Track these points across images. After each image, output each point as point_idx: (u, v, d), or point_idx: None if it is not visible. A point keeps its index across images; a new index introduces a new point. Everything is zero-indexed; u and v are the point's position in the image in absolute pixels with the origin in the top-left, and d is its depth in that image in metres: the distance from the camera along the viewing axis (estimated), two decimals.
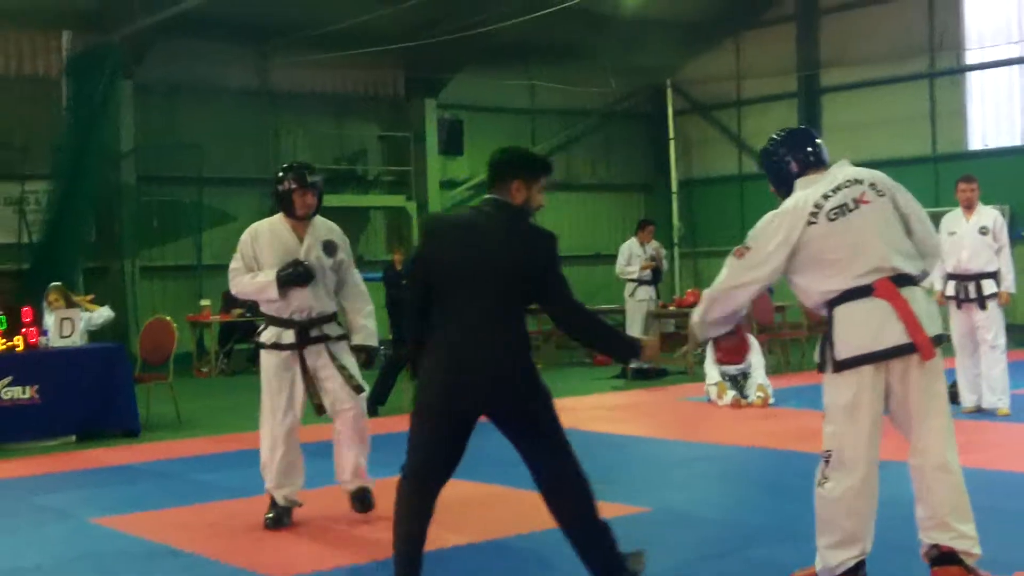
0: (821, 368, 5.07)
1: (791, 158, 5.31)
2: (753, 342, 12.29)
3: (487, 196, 5.19)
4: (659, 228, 17.82)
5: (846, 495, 4.92)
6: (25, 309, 11.13)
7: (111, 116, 17.93)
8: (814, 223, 5.00)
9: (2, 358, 10.60)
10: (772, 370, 12.78)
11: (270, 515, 6.96)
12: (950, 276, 10.62)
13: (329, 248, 7.06)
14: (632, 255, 15.60)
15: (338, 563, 6.03)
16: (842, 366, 4.92)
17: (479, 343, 4.98)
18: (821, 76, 22.68)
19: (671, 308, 16.61)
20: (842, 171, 5.21)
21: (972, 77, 20.77)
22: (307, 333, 6.98)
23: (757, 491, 7.94)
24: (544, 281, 5.08)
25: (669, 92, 23.09)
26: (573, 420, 11.36)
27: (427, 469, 5.10)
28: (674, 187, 23.45)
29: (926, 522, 5.02)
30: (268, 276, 6.91)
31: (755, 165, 23.49)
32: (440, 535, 6.55)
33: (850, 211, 4.99)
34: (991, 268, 10.49)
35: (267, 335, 7.05)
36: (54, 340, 11.10)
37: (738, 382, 11.97)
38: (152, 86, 19.00)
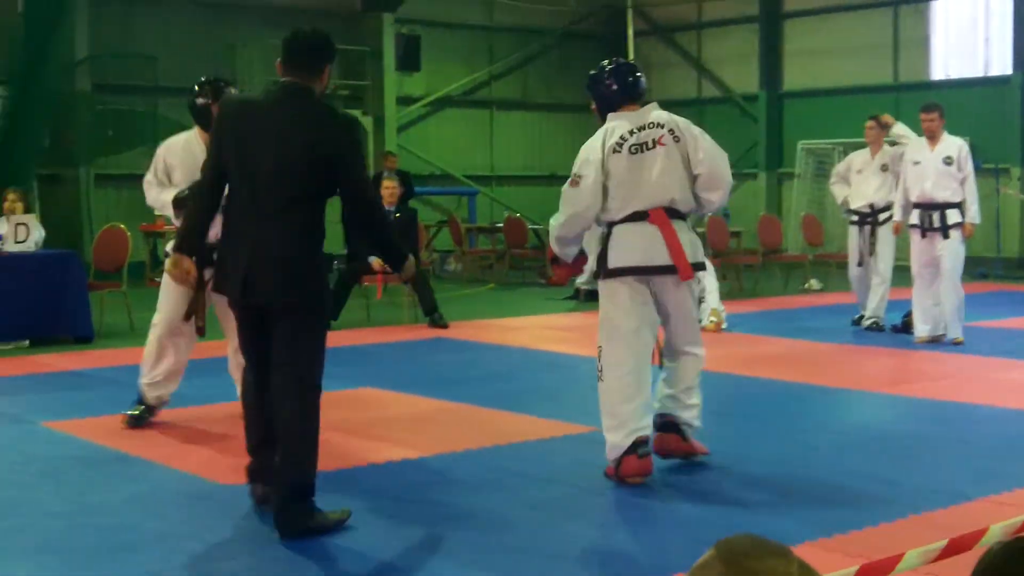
0: (596, 276, 6.09)
1: (611, 90, 6.13)
2: (708, 265, 12.34)
3: (286, 80, 5.06)
4: None
5: (618, 384, 5.89)
6: None
7: (66, 23, 17.64)
8: (618, 152, 5.90)
9: None
10: (725, 296, 12.88)
11: (135, 411, 7.26)
12: (915, 205, 10.72)
13: None
14: None
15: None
16: (612, 274, 5.94)
17: (265, 234, 4.92)
18: (784, 0, 22.64)
19: None
20: (651, 114, 6.05)
21: (936, 6, 20.75)
22: (210, 254, 6.94)
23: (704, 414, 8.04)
24: (338, 169, 5.00)
25: (629, 13, 22.94)
26: (523, 339, 11.55)
27: (246, 359, 5.26)
28: None
29: (666, 399, 6.16)
30: (168, 195, 7.00)
31: (715, 89, 23.55)
32: (390, 449, 6.65)
33: (648, 149, 5.90)
34: (956, 199, 10.58)
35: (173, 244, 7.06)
36: (8, 245, 11.02)
37: None
38: None
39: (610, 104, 6.10)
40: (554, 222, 6.14)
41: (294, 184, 4.93)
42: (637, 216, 5.89)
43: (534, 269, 18.58)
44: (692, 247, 5.96)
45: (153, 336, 7.26)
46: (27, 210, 11.90)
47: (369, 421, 7.35)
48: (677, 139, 5.93)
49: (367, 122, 21.26)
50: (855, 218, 11.88)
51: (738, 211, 19.84)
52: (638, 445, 5.80)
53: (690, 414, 6.16)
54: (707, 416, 6.30)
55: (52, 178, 18.21)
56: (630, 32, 22.94)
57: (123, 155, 19.23)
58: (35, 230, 11.37)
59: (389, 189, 12.90)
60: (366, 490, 5.75)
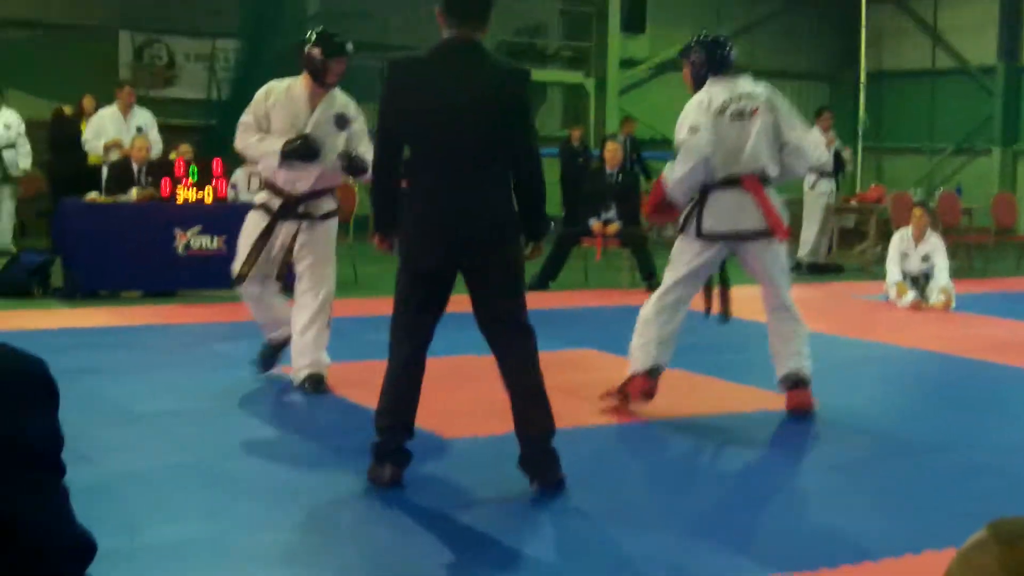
0: (683, 230, 6.47)
1: (707, 59, 6.54)
2: (938, 242, 11.93)
3: (456, 35, 4.91)
4: (842, 121, 17.41)
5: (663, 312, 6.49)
6: (216, 160, 11.38)
7: None
8: (720, 116, 6.34)
9: (192, 208, 10.96)
10: (955, 274, 12.43)
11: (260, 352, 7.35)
12: None
13: (341, 121, 7.00)
14: (817, 143, 15.20)
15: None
16: (703, 236, 6.38)
17: (466, 194, 4.86)
18: None
19: (852, 203, 16.26)
20: (745, 84, 6.53)
21: None
22: (293, 208, 6.98)
23: (931, 398, 7.79)
24: (514, 122, 4.92)
25: None
26: (744, 311, 11.32)
27: (409, 332, 5.03)
28: (862, 78, 22.81)
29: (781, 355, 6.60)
30: (274, 145, 6.86)
31: (949, 60, 22.69)
32: (611, 412, 6.64)
33: (746, 117, 6.34)
34: None
35: (261, 196, 7.12)
36: (243, 194, 11.38)
37: (919, 283, 11.69)
38: None
39: (709, 71, 6.51)
40: (675, 172, 6.40)
41: (485, 141, 4.90)
42: (731, 181, 6.34)
43: None
44: (783, 211, 6.48)
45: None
46: None
47: (592, 382, 7.35)
48: (771, 109, 6.41)
49: (589, 84, 21.24)
50: None
51: (970, 188, 19.13)
52: (653, 371, 6.49)
53: (807, 366, 6.60)
54: (936, 401, 6.10)
55: None
56: None
57: None
58: None
59: (611, 152, 12.90)
60: (589, 450, 5.75)
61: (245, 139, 7.01)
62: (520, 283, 5.04)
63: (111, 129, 12.99)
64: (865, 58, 22.75)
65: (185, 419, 6.40)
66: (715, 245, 6.45)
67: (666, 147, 22.37)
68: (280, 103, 6.92)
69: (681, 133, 6.38)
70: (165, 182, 10.91)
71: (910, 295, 11.54)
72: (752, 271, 6.62)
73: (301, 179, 6.92)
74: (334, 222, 7.15)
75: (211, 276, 10.64)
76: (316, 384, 6.95)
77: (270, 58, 17.78)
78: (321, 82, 6.92)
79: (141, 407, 6.59)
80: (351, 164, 6.90)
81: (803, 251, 14.94)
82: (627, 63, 21.99)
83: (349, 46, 6.98)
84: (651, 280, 12.18)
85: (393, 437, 5.01)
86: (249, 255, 6.96)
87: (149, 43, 18.25)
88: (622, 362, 8.11)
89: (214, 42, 18.04)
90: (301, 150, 6.82)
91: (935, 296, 11.40)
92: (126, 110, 13.31)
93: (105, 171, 12.07)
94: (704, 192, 6.39)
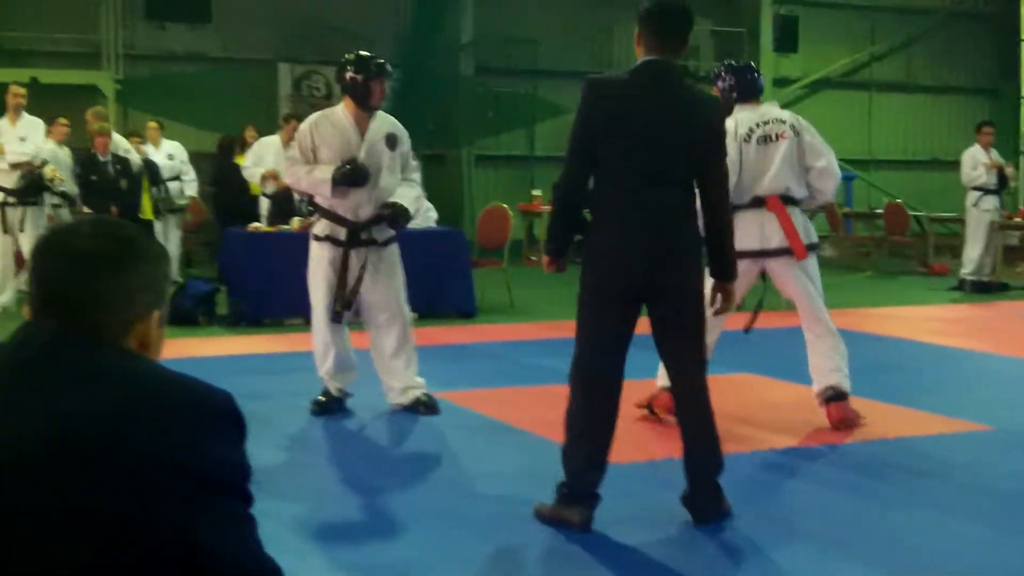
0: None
1: (736, 85, 6.83)
2: None
3: (654, 59, 4.83)
4: (1004, 136, 16.94)
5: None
6: None
7: (454, 8, 18.36)
8: (747, 142, 6.61)
9: None
10: None
11: (321, 399, 7.12)
12: None
13: (391, 141, 7.01)
14: (977, 162, 14.84)
15: (668, 453, 6.06)
16: None
17: (661, 218, 4.76)
18: None
19: (1017, 220, 15.81)
20: (772, 110, 6.83)
21: None
22: (357, 235, 6.93)
23: None
24: (711, 151, 4.86)
25: None
26: (904, 330, 11.13)
27: (603, 361, 4.87)
28: (1023, 92, 22.17)
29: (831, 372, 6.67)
30: (324, 174, 6.82)
31: None
32: (773, 437, 6.56)
33: (772, 141, 6.60)
34: None
35: (320, 227, 7.03)
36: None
37: None
38: None
39: (739, 97, 6.77)
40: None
41: (681, 166, 4.84)
42: (756, 202, 6.59)
43: (915, 257, 17.92)
44: (805, 230, 6.64)
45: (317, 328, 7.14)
46: None
47: (756, 405, 7.27)
48: (797, 134, 6.67)
49: None
50: None
51: None
52: None
53: (846, 381, 6.70)
54: None
55: (436, 158, 19.00)
56: (1022, 10, 21.71)
57: (502, 136, 19.88)
58: (429, 209, 11.85)
59: None
60: (751, 475, 5.69)
61: (295, 173, 7.03)
62: (701, 318, 4.95)
63: (270, 159, 13.28)
64: None
65: (343, 439, 6.51)
66: (742, 263, 6.24)
67: None
68: (328, 133, 6.96)
69: None
70: None
71: None
72: (780, 288, 6.92)
73: (363, 206, 6.94)
74: (396, 246, 7.17)
75: None
76: (430, 407, 7.03)
77: (426, 86, 18.08)
78: (365, 105, 6.97)
79: (307, 431, 6.74)
80: (395, 216, 6.91)
81: (967, 269, 14.59)
82: (780, 82, 21.81)
83: (388, 66, 7.03)
84: None
85: (586, 480, 4.82)
86: (338, 289, 6.94)
87: (307, 74, 18.70)
88: (781, 385, 8.04)
89: None
90: (351, 175, 6.81)
91: None
92: (287, 142, 13.61)
93: (267, 201, 12.36)
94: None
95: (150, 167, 13.70)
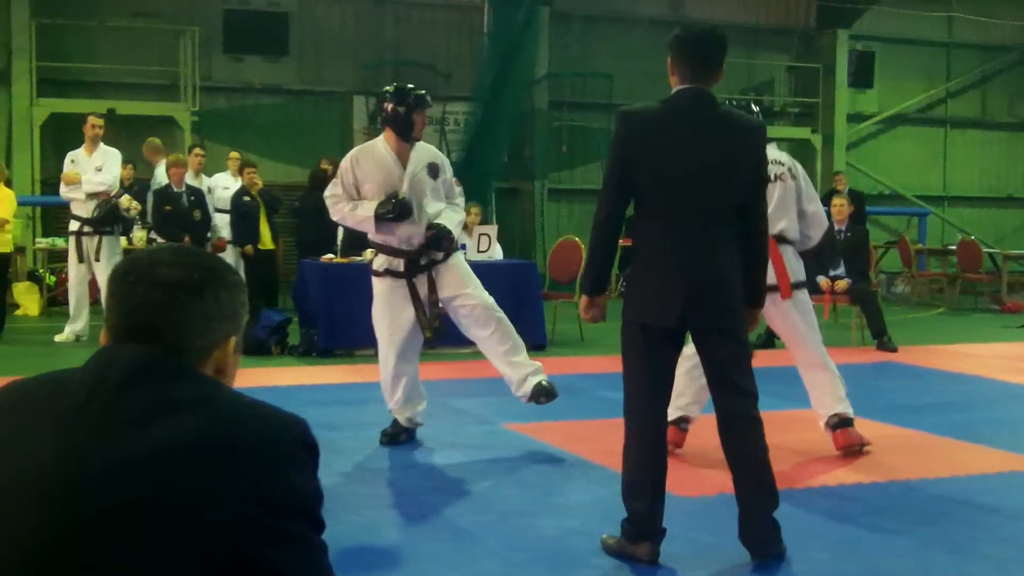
0: None
1: None
2: None
3: (690, 87, 4.73)
4: None
5: (690, 365, 6.34)
6: None
7: (529, 43, 18.50)
8: None
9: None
10: None
11: (390, 430, 7.19)
12: None
13: (433, 170, 7.06)
14: None
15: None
16: None
17: (702, 253, 4.68)
18: None
19: None
20: (770, 151, 6.39)
21: None
22: (417, 262, 6.98)
23: None
24: (753, 177, 4.77)
25: None
26: (979, 368, 11.01)
27: (650, 396, 4.80)
28: None
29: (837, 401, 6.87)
30: (367, 211, 6.88)
31: None
32: (845, 473, 6.53)
33: (770, 183, 6.50)
34: None
35: (379, 262, 7.08)
36: (471, 254, 11.64)
37: None
38: (568, 14, 19.47)
39: None
40: None
41: (724, 198, 4.73)
42: None
43: (988, 294, 17.71)
44: (794, 271, 6.81)
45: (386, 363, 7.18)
46: (483, 222, 12.52)
47: (815, 443, 7.24)
48: (793, 177, 6.83)
49: (816, 140, 21.03)
50: None
51: None
52: (680, 423, 6.74)
53: (849, 410, 6.93)
54: None
55: (510, 191, 19.12)
56: None
57: (576, 170, 19.95)
58: (495, 244, 11.95)
59: (837, 207, 12.70)
60: (815, 512, 5.68)
61: (339, 210, 7.05)
62: (746, 348, 4.90)
63: None
64: None
65: (410, 469, 6.59)
66: None
67: (896, 201, 22.05)
68: (369, 168, 6.98)
69: None
70: None
71: None
72: (770, 323, 7.05)
73: (414, 236, 6.99)
74: (460, 254, 7.24)
75: (445, 334, 10.88)
76: (550, 394, 7.17)
77: (501, 119, 18.22)
78: (407, 136, 7.01)
79: (376, 461, 6.82)
80: (438, 237, 6.98)
81: None
82: (855, 118, 21.71)
83: (428, 97, 7.08)
84: (882, 338, 11.94)
85: (650, 519, 4.78)
86: (419, 317, 7.01)
87: None
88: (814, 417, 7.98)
89: (444, 105, 18.53)
90: (395, 211, 6.86)
91: None
92: None
93: (341, 232, 12.50)
94: None
95: (265, 198, 13.95)
